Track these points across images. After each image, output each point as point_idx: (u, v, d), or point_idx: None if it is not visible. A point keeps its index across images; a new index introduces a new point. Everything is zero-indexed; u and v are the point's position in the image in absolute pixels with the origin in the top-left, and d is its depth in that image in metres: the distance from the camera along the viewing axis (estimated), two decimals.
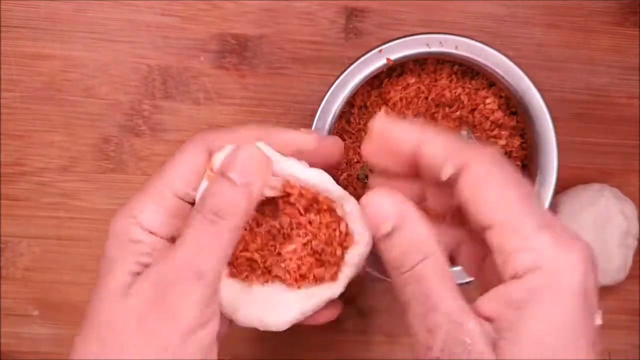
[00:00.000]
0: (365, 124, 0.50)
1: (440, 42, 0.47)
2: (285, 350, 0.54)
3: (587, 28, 0.55)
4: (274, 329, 0.34)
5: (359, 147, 0.50)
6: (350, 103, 0.49)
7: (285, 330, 0.35)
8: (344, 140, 0.50)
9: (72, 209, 0.53)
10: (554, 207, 0.51)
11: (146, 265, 0.31)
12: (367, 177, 0.49)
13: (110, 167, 0.53)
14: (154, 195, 0.33)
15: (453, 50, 0.47)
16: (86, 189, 0.53)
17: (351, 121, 0.50)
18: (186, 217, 0.32)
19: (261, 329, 0.34)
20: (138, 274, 0.31)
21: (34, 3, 0.52)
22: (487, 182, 0.28)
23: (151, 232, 0.32)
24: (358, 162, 0.50)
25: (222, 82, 0.53)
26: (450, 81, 0.49)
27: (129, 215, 0.33)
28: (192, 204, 0.34)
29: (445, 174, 0.29)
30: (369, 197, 0.30)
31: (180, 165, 0.34)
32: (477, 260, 0.33)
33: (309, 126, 0.47)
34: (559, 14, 0.55)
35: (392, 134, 0.31)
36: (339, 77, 0.47)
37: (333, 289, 0.34)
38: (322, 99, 0.47)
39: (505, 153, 0.50)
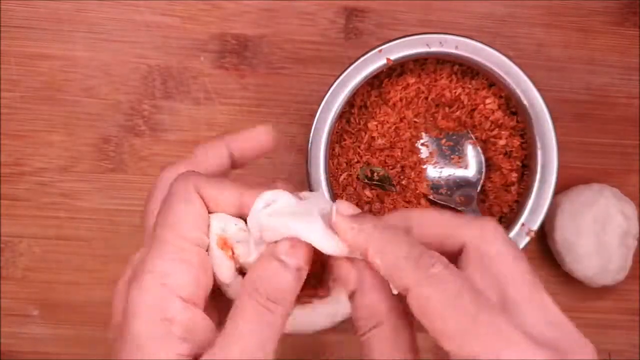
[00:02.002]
0: (365, 124, 0.50)
1: (440, 42, 0.47)
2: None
3: (587, 28, 0.55)
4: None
5: (359, 147, 0.50)
6: (350, 103, 0.49)
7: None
8: (344, 140, 0.50)
9: (72, 209, 0.53)
10: (554, 207, 0.51)
11: (185, 356, 0.28)
12: (367, 177, 0.49)
13: (110, 167, 0.53)
14: (175, 252, 0.29)
15: (453, 50, 0.47)
16: (86, 189, 0.53)
17: (351, 121, 0.50)
18: (206, 266, 0.30)
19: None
20: None
21: (34, 3, 0.52)
22: (429, 311, 0.26)
23: (185, 300, 0.29)
24: (358, 162, 0.50)
25: (222, 82, 0.53)
26: (450, 81, 0.49)
27: (158, 283, 0.28)
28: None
29: (394, 291, 0.29)
30: (335, 261, 0.30)
31: (186, 213, 0.30)
32: None
33: (309, 126, 0.47)
34: (559, 14, 0.55)
35: (342, 236, 0.30)
36: (339, 77, 0.47)
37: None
38: (322, 99, 0.47)
39: (505, 153, 0.50)
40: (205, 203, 0.31)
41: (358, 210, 0.30)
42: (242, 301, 0.29)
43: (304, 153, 0.47)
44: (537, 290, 0.27)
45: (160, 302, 0.28)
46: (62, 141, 0.53)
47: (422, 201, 0.50)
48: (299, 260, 0.29)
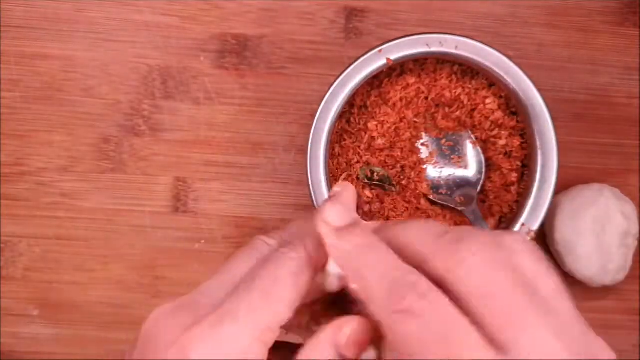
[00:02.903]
0: (365, 124, 0.50)
1: (440, 42, 0.47)
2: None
3: (587, 28, 0.55)
4: None
5: (359, 147, 0.50)
6: (350, 103, 0.49)
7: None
8: (344, 140, 0.50)
9: (72, 209, 0.53)
10: (554, 207, 0.51)
11: None
12: (367, 177, 0.49)
13: (110, 167, 0.53)
14: (261, 331, 0.26)
15: (453, 50, 0.47)
16: (86, 189, 0.53)
17: (351, 121, 0.50)
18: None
19: None
20: None
21: (34, 3, 0.52)
22: (398, 350, 0.24)
23: None
24: (358, 162, 0.50)
25: (222, 82, 0.53)
26: (450, 81, 0.49)
27: (233, 356, 0.25)
28: None
29: None
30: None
31: (287, 291, 0.27)
32: None
33: (309, 126, 0.47)
34: (559, 14, 0.55)
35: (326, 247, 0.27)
36: (339, 77, 0.47)
37: None
38: (322, 99, 0.47)
39: (505, 153, 0.50)
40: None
41: (350, 217, 0.27)
42: None
43: (304, 153, 0.47)
44: (524, 329, 0.23)
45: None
46: (62, 141, 0.53)
47: (422, 201, 0.50)
48: (356, 353, 0.27)
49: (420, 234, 0.26)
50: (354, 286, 0.26)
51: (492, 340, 0.23)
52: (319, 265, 0.28)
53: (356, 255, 0.26)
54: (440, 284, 0.24)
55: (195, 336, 0.25)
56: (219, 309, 0.26)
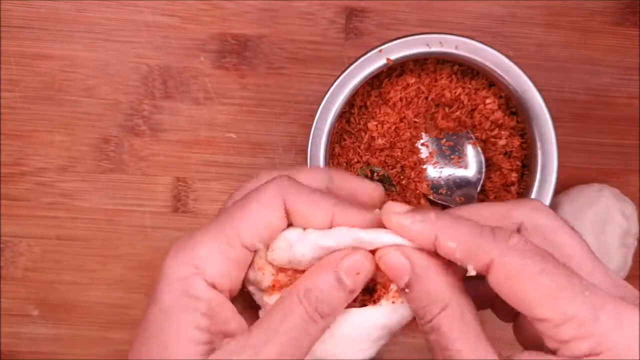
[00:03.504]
0: (365, 124, 0.50)
1: (440, 42, 0.47)
2: None
3: (587, 28, 0.55)
4: None
5: (359, 147, 0.50)
6: (350, 103, 0.49)
7: None
8: (344, 140, 0.50)
9: (72, 209, 0.53)
10: (554, 207, 0.51)
11: (203, 329, 0.28)
12: (367, 177, 0.49)
13: (110, 167, 0.53)
14: (221, 243, 0.29)
15: (453, 50, 0.47)
16: (86, 189, 0.53)
17: (351, 121, 0.50)
18: (243, 267, 0.30)
19: None
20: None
21: (34, 3, 0.52)
22: (519, 279, 0.27)
23: (213, 286, 0.29)
24: (358, 162, 0.50)
25: (222, 82, 0.53)
26: (450, 81, 0.49)
27: (191, 263, 0.29)
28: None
29: (470, 273, 0.28)
30: (383, 251, 0.30)
31: (255, 216, 0.30)
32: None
33: (309, 126, 0.47)
34: (559, 14, 0.55)
35: (407, 233, 0.30)
36: (339, 77, 0.47)
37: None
38: (322, 99, 0.47)
39: (505, 153, 0.50)
40: (289, 216, 0.30)
41: (409, 207, 0.30)
42: (290, 302, 0.29)
43: (304, 153, 0.47)
44: (596, 259, 0.29)
45: (187, 279, 0.29)
46: (62, 141, 0.53)
47: (422, 201, 0.50)
48: (356, 285, 0.29)
49: (467, 226, 0.29)
50: (451, 244, 0.28)
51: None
52: (290, 208, 0.30)
53: (444, 221, 0.29)
54: (487, 271, 0.28)
55: (173, 246, 0.30)
56: (200, 228, 0.30)
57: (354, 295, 0.30)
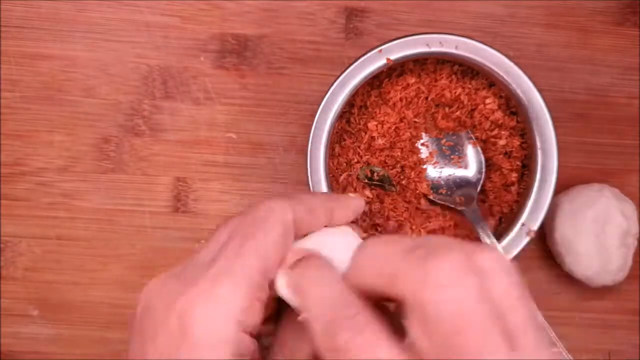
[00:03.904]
0: (365, 124, 0.50)
1: (440, 42, 0.47)
2: None
3: (587, 28, 0.55)
4: None
5: (359, 147, 0.50)
6: (350, 103, 0.49)
7: None
8: (344, 140, 0.50)
9: (72, 209, 0.53)
10: (554, 207, 0.51)
11: None
12: (367, 177, 0.49)
13: (110, 167, 0.53)
14: (255, 288, 0.26)
15: (453, 50, 0.47)
16: (86, 189, 0.53)
17: (351, 121, 0.50)
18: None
19: None
20: None
21: (34, 3, 0.52)
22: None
23: (240, 328, 0.26)
24: (358, 162, 0.50)
25: (222, 82, 0.53)
26: (450, 81, 0.49)
27: (232, 316, 0.25)
28: None
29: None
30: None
31: (276, 250, 0.27)
32: None
33: (309, 126, 0.47)
34: (559, 14, 0.55)
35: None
36: (339, 77, 0.47)
37: None
38: (322, 99, 0.47)
39: (505, 153, 0.50)
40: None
41: (305, 252, 0.28)
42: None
43: (304, 153, 0.47)
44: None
45: (234, 338, 0.25)
46: (62, 141, 0.53)
47: (422, 201, 0.50)
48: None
49: (389, 250, 0.24)
50: (301, 318, 0.25)
51: None
52: (298, 227, 0.29)
53: (305, 287, 0.26)
54: (404, 305, 0.23)
55: (194, 298, 0.25)
56: (213, 267, 0.26)
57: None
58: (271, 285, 0.28)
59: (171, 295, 0.26)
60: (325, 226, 0.31)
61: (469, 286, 0.22)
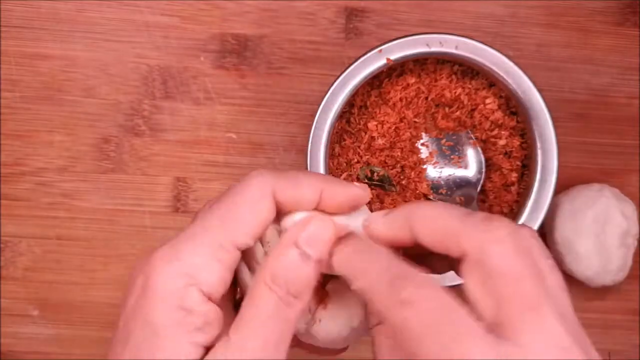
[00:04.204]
0: (365, 124, 0.50)
1: (440, 42, 0.47)
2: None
3: (587, 28, 0.55)
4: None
5: (359, 147, 0.50)
6: (350, 103, 0.49)
7: None
8: (344, 140, 0.50)
9: (72, 209, 0.53)
10: (554, 207, 0.51)
11: (199, 344, 0.27)
12: (367, 177, 0.49)
13: (110, 167, 0.53)
14: (214, 248, 0.27)
15: (453, 50, 0.47)
16: (86, 189, 0.53)
17: (351, 121, 0.50)
18: (234, 267, 0.28)
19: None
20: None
21: (34, 3, 0.52)
22: (406, 335, 0.25)
23: (205, 294, 0.27)
24: (358, 162, 0.50)
25: (222, 82, 0.53)
26: (450, 81, 0.49)
27: (184, 273, 0.27)
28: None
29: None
30: (370, 220, 0.30)
31: (247, 214, 0.28)
32: None
33: (309, 126, 0.47)
34: (559, 14, 0.55)
35: (386, 233, 0.29)
36: (339, 77, 0.47)
37: None
38: (322, 99, 0.47)
39: (505, 153, 0.50)
40: (278, 205, 0.29)
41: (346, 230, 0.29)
42: (259, 291, 0.27)
43: (304, 153, 0.47)
44: (539, 313, 0.24)
45: (181, 292, 0.27)
46: (62, 141, 0.53)
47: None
48: (321, 253, 0.28)
49: (445, 212, 0.28)
50: (355, 286, 0.27)
51: (491, 329, 0.24)
52: (279, 197, 0.29)
53: (355, 258, 0.28)
54: (461, 259, 0.26)
55: (155, 257, 0.28)
56: (181, 233, 0.28)
57: (323, 264, 0.28)
58: (248, 251, 0.29)
59: (145, 259, 0.29)
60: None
61: (522, 247, 0.25)
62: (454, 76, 0.50)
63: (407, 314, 0.24)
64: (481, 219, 0.26)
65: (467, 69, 0.49)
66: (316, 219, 0.29)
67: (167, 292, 0.27)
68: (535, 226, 0.47)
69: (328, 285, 0.32)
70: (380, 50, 0.46)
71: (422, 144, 0.50)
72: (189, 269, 0.27)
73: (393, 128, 0.49)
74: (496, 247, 0.25)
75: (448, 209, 0.28)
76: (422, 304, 0.24)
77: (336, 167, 0.49)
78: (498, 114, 0.49)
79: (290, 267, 0.28)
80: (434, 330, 0.24)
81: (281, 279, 0.27)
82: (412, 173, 0.50)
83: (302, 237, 0.28)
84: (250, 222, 0.28)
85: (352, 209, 0.31)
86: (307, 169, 0.46)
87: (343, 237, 0.29)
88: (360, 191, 0.31)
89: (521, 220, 0.47)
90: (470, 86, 0.50)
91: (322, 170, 0.47)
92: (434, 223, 0.28)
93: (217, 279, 0.28)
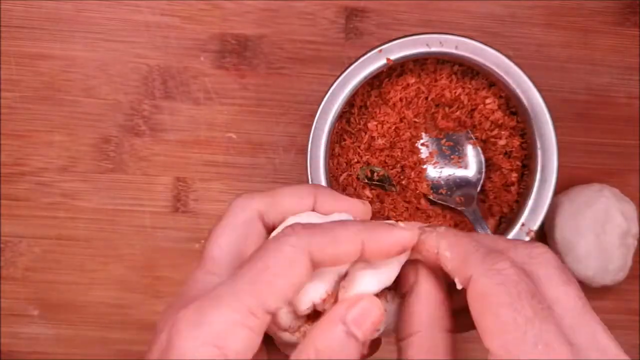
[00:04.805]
0: (365, 124, 0.50)
1: (440, 42, 0.47)
2: None
3: (587, 28, 0.55)
4: None
5: (359, 147, 0.50)
6: (350, 103, 0.49)
7: None
8: (344, 140, 0.50)
9: (72, 209, 0.53)
10: (554, 207, 0.51)
11: None
12: (367, 177, 0.49)
13: (110, 167, 0.53)
14: (243, 315, 0.26)
15: (453, 50, 0.47)
16: (86, 189, 0.53)
17: (351, 121, 0.50)
18: (259, 334, 0.26)
19: None
20: None
21: (34, 3, 0.52)
22: (484, 303, 0.26)
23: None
24: (358, 162, 0.50)
25: (222, 82, 0.53)
26: (450, 81, 0.49)
27: (211, 342, 0.25)
28: None
29: (458, 286, 0.27)
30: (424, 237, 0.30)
31: (278, 278, 0.26)
32: None
33: (309, 126, 0.47)
34: (559, 14, 0.55)
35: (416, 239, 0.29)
36: (339, 77, 0.47)
37: None
38: (322, 99, 0.47)
39: (505, 153, 0.50)
40: (314, 265, 0.27)
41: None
42: None
43: (304, 153, 0.47)
44: (586, 317, 0.26)
45: (206, 356, 0.25)
46: (62, 141, 0.53)
47: (422, 201, 0.50)
48: (366, 336, 0.27)
49: (489, 236, 0.30)
50: (447, 253, 0.28)
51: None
52: (317, 257, 0.27)
53: (450, 233, 0.29)
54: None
55: (180, 319, 0.26)
56: (208, 293, 0.26)
57: (367, 346, 0.28)
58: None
59: (169, 316, 0.27)
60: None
61: (559, 265, 0.27)
62: (454, 76, 0.50)
63: (495, 282, 0.26)
64: (525, 243, 0.29)
65: (467, 69, 0.49)
66: (366, 299, 0.27)
67: (192, 352, 0.25)
68: (535, 226, 0.47)
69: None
70: (380, 50, 0.46)
71: (422, 144, 0.50)
72: (215, 338, 0.25)
73: (393, 128, 0.49)
74: (542, 257, 0.27)
75: (470, 241, 0.29)
76: (512, 279, 0.26)
77: (336, 167, 0.49)
78: (498, 114, 0.49)
79: (335, 345, 0.26)
80: (514, 308, 0.25)
81: (326, 356, 0.26)
82: (412, 173, 0.50)
83: (350, 316, 0.27)
84: (283, 287, 0.26)
85: (400, 253, 0.29)
86: (307, 169, 0.46)
87: (430, 226, 0.30)
88: (408, 234, 0.29)
89: (521, 220, 0.47)
90: (470, 86, 0.50)
91: (322, 170, 0.47)
92: (456, 247, 0.29)
93: (244, 347, 0.26)
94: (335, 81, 0.46)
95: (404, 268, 0.29)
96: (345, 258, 0.28)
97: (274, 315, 0.27)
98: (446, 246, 0.28)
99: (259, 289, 0.26)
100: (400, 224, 0.29)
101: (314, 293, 0.28)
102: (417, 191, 0.50)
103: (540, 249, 0.28)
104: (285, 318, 0.28)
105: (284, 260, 0.26)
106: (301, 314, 0.28)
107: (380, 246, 0.28)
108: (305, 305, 0.28)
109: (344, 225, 0.28)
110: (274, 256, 0.26)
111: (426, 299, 0.29)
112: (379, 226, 0.28)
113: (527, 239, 0.47)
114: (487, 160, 0.50)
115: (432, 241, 0.29)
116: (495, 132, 0.50)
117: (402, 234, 0.29)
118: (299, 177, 0.53)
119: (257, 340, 0.26)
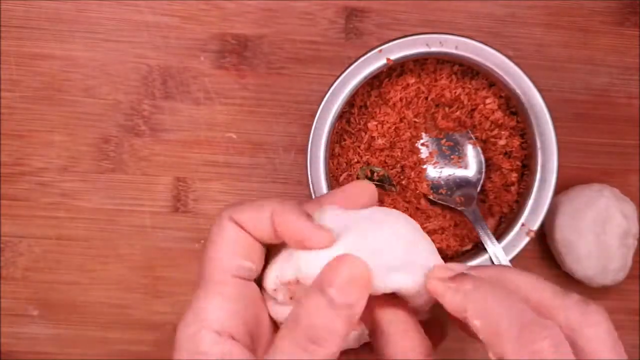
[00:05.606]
0: (365, 124, 0.50)
1: (440, 42, 0.47)
2: None
3: (587, 28, 0.55)
4: None
5: (359, 147, 0.50)
6: (350, 103, 0.49)
7: None
8: (344, 140, 0.50)
9: (72, 209, 0.53)
10: (554, 207, 0.51)
11: None
12: (367, 177, 0.49)
13: (110, 167, 0.53)
14: (215, 285, 0.29)
15: (453, 50, 0.47)
16: (86, 189, 0.53)
17: (351, 121, 0.50)
18: (233, 298, 0.29)
19: None
20: None
21: (34, 3, 0.52)
22: None
23: (220, 333, 0.28)
24: (358, 162, 0.50)
25: (222, 82, 0.53)
26: (450, 81, 0.49)
27: (195, 319, 0.28)
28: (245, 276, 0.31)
29: (492, 357, 0.26)
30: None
31: (222, 245, 0.29)
32: None
33: (309, 126, 0.47)
34: (559, 14, 0.55)
35: (440, 299, 0.28)
36: (339, 77, 0.47)
37: None
38: (322, 99, 0.47)
39: (505, 153, 0.50)
40: (246, 230, 0.30)
41: (455, 272, 0.28)
42: (280, 336, 0.26)
43: (304, 153, 0.47)
44: None
45: (196, 337, 0.28)
46: (62, 141, 0.53)
47: (422, 201, 0.50)
48: (350, 298, 0.26)
49: (538, 286, 0.27)
50: (476, 322, 0.26)
51: None
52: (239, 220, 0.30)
53: (480, 294, 0.26)
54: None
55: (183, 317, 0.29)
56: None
57: (355, 313, 0.27)
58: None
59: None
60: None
61: (614, 334, 0.28)
62: (454, 76, 0.50)
63: None
64: (578, 301, 0.27)
65: (467, 69, 0.49)
66: (346, 259, 0.27)
67: (184, 341, 0.28)
68: (535, 226, 0.47)
69: None
70: (380, 50, 0.47)
71: (422, 144, 0.50)
72: (198, 315, 0.28)
73: (393, 128, 0.49)
74: (591, 329, 0.26)
75: (539, 283, 0.28)
76: (559, 355, 0.24)
77: (336, 167, 0.49)
78: (498, 114, 0.49)
79: (310, 313, 0.26)
80: None
81: (301, 325, 0.26)
82: (412, 173, 0.50)
83: (323, 279, 0.27)
84: (226, 247, 0.29)
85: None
86: (307, 169, 0.46)
87: (455, 276, 0.28)
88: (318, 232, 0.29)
89: (521, 220, 0.47)
90: (470, 86, 0.50)
91: (322, 170, 0.47)
92: (531, 287, 0.27)
93: (224, 314, 0.28)
94: (335, 81, 0.47)
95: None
96: (259, 230, 0.30)
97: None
98: (474, 313, 0.26)
99: (215, 261, 0.29)
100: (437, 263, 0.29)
101: (277, 272, 0.30)
102: (417, 191, 0.50)
103: (592, 306, 0.27)
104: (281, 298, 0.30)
105: (224, 232, 0.30)
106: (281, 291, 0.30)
107: (287, 230, 0.29)
108: (271, 284, 0.30)
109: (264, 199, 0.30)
110: (217, 234, 0.30)
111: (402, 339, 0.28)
112: (292, 212, 0.29)
113: (528, 239, 0.47)
114: (487, 160, 0.50)
115: (458, 303, 0.27)
116: (495, 132, 0.50)
117: (305, 225, 0.29)
118: (299, 177, 0.53)
119: (236, 305, 0.29)
